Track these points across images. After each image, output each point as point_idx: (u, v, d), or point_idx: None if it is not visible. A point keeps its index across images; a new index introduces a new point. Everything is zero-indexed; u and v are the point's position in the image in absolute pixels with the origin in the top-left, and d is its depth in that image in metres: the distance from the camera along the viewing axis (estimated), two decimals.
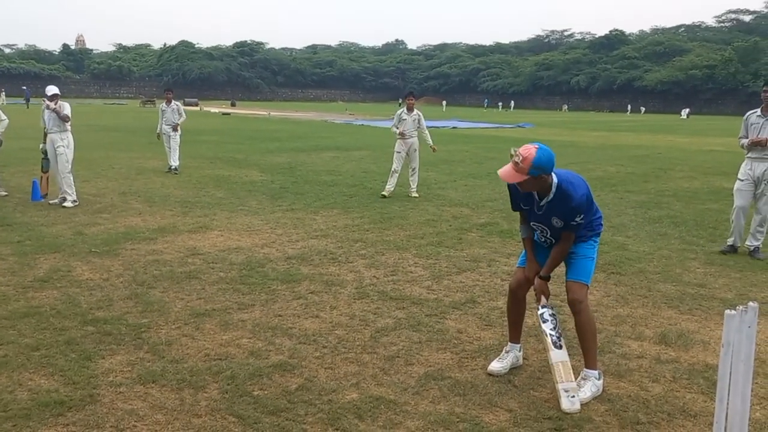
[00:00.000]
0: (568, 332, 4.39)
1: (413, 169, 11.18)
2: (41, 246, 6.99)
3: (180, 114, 14.00)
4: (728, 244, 7.34)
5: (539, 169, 3.45)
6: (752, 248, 7.17)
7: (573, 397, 3.56)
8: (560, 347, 3.71)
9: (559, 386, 3.58)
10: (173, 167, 13.46)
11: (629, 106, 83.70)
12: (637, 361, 4.25)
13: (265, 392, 3.70)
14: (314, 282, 5.88)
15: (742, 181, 7.25)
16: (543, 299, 3.86)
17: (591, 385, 3.71)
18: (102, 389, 3.69)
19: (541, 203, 3.70)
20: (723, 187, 12.46)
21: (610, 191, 11.95)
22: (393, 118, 11.46)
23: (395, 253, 6.99)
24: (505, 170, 3.53)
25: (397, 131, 11.08)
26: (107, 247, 7.01)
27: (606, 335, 4.70)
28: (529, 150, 3.47)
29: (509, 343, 4.16)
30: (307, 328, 4.72)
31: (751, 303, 2.53)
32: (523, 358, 4.25)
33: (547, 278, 3.86)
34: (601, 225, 3.96)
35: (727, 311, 2.49)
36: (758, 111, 7.12)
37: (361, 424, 3.36)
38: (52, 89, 9.67)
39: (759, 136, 6.99)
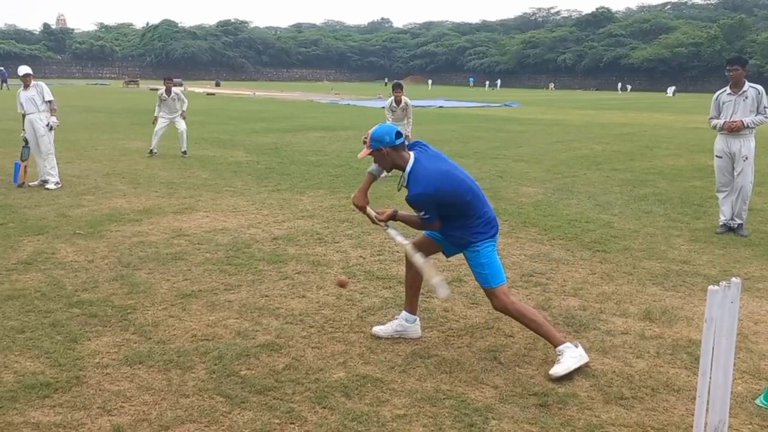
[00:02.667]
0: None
1: None
2: (25, 228, 6.92)
3: (183, 101, 13.52)
4: (721, 223, 7.30)
5: (375, 141, 3.80)
6: (735, 225, 7.23)
7: (445, 284, 3.92)
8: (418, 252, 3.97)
9: (433, 281, 3.81)
10: (183, 151, 13.12)
11: (619, 84, 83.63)
12: (622, 338, 4.30)
13: (253, 372, 3.70)
14: (301, 262, 5.88)
15: (720, 158, 7.28)
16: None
17: (569, 354, 3.72)
18: (88, 371, 3.68)
19: (403, 185, 3.87)
20: (708, 164, 12.52)
21: (596, 170, 12.00)
22: (385, 101, 11.50)
23: (381, 233, 6.98)
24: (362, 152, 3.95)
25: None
26: (92, 228, 6.96)
27: (591, 312, 4.74)
28: (371, 129, 3.90)
29: (402, 311, 4.26)
30: (293, 308, 4.73)
31: (734, 279, 2.56)
32: (508, 336, 4.28)
33: (393, 215, 3.97)
34: (483, 234, 3.82)
35: (711, 287, 2.52)
36: (727, 89, 7.13)
37: (348, 402, 3.38)
38: (24, 69, 9.49)
39: (733, 119, 7.00)
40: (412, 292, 4.22)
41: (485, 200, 3.91)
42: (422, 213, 3.76)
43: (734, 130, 6.99)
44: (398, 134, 3.79)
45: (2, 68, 57.46)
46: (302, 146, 15.09)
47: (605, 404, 3.43)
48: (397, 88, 11.32)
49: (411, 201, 3.75)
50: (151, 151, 13.15)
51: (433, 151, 3.94)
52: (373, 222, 4.04)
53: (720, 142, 7.26)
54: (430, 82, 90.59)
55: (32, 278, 5.29)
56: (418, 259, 3.94)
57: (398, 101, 11.17)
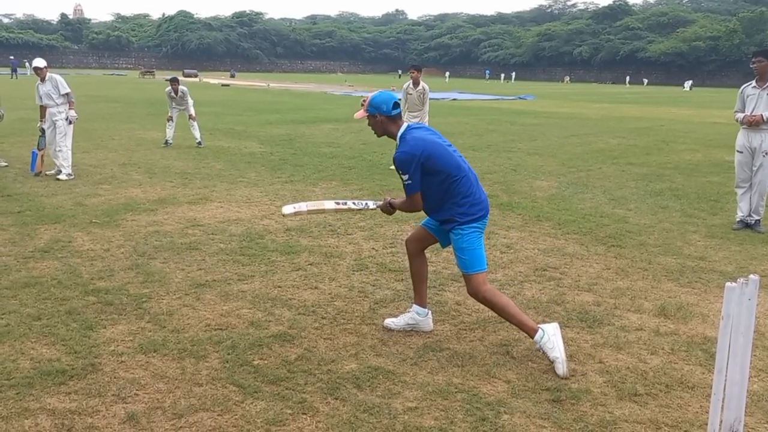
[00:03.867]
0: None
1: None
2: (42, 216, 6.98)
3: (189, 101, 13.54)
4: (738, 220, 7.22)
5: (373, 107, 3.88)
6: (752, 221, 7.15)
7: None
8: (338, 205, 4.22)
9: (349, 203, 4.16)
10: (198, 141, 13.28)
11: (627, 78, 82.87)
12: (636, 334, 4.27)
13: (265, 362, 3.72)
14: (313, 254, 5.89)
15: (741, 153, 7.20)
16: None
17: (545, 342, 3.68)
18: (103, 358, 3.72)
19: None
20: (725, 159, 12.41)
21: (612, 164, 11.91)
22: (399, 92, 11.17)
23: (394, 225, 6.99)
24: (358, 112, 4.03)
25: (404, 112, 10.74)
26: (108, 218, 7.01)
27: (605, 308, 4.72)
28: (372, 94, 4.00)
29: (413, 304, 4.24)
30: (306, 299, 4.74)
31: (752, 276, 2.53)
32: (521, 330, 4.26)
33: (389, 205, 4.06)
34: (470, 215, 3.81)
35: (728, 284, 2.49)
36: (753, 83, 7.04)
37: (360, 394, 3.39)
38: (37, 62, 9.53)
39: (754, 113, 6.91)
40: (419, 285, 4.21)
41: (475, 181, 3.93)
42: (405, 177, 3.80)
43: (753, 124, 6.90)
44: (396, 105, 3.88)
45: (12, 57, 57.84)
46: (316, 138, 15.10)
47: (619, 400, 3.41)
48: (413, 68, 11.02)
49: (397, 159, 3.80)
50: (166, 141, 13.26)
51: (428, 128, 4.06)
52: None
53: (741, 137, 7.18)
54: (447, 74, 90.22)
55: (49, 266, 5.34)
56: (331, 203, 4.24)
57: (416, 82, 10.86)
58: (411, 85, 10.94)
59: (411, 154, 3.75)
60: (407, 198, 3.91)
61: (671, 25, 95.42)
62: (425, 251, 4.25)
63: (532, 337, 3.77)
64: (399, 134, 3.89)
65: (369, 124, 3.99)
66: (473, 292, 3.89)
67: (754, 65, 6.92)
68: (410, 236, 4.25)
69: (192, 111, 13.55)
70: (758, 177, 7.06)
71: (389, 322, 4.27)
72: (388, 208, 4.07)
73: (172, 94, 13.51)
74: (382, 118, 3.89)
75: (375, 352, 3.90)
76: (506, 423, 3.15)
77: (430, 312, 4.26)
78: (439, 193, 3.83)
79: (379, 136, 4.03)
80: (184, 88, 13.82)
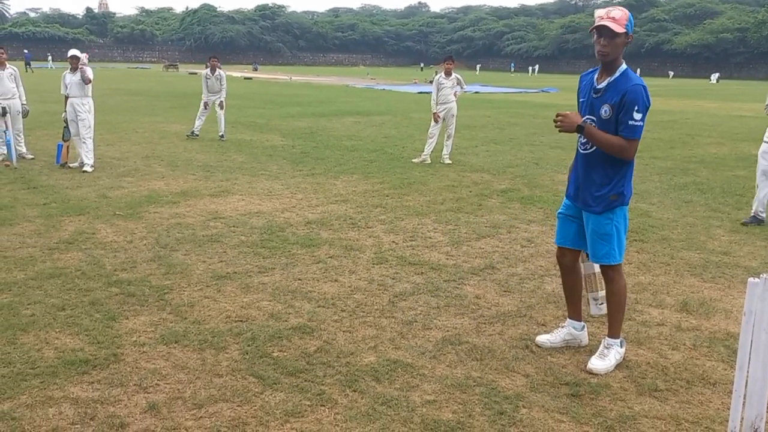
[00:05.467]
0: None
1: (449, 135, 10.90)
2: (66, 208, 7.09)
3: (223, 84, 13.45)
4: (752, 214, 7.08)
5: (630, 23, 3.42)
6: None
7: (601, 304, 3.85)
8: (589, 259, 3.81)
9: (590, 295, 3.83)
10: (221, 135, 13.21)
11: (638, 70, 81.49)
12: (658, 329, 4.23)
13: (285, 354, 3.75)
14: (333, 246, 5.91)
15: (767, 143, 7.08)
16: None
17: (615, 353, 3.68)
18: (126, 349, 3.77)
19: (599, 86, 3.54)
20: (751, 153, 12.18)
21: (636, 157, 11.72)
22: (419, 86, 11.07)
23: (414, 219, 6.98)
24: (606, 22, 3.38)
25: (435, 104, 10.78)
26: (131, 210, 7.10)
27: (627, 302, 4.67)
28: (623, 10, 3.45)
29: (567, 318, 4.02)
30: (326, 292, 4.76)
31: None
32: (540, 325, 4.25)
33: (582, 127, 3.50)
34: (624, 196, 3.62)
35: (751, 279, 2.46)
36: None
37: (378, 387, 3.40)
38: (73, 51, 9.65)
39: None
40: (576, 299, 3.96)
41: None
42: (638, 117, 3.37)
43: None
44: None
45: (26, 51, 58.58)
46: (337, 131, 15.13)
47: (638, 396, 3.38)
48: (449, 59, 10.93)
49: (630, 90, 3.37)
50: (192, 132, 13.34)
51: None
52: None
53: None
54: (478, 66, 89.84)
55: (73, 257, 5.43)
56: (589, 267, 3.88)
57: (448, 73, 10.79)
58: (443, 76, 10.87)
59: (644, 88, 3.38)
60: (627, 141, 3.44)
61: (698, 17, 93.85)
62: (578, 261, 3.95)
63: (611, 336, 3.71)
64: (623, 68, 3.49)
65: (604, 44, 3.41)
66: (608, 278, 3.71)
67: None
68: (559, 252, 3.93)
69: (223, 98, 13.45)
70: None
71: (540, 338, 3.98)
72: (581, 128, 3.50)
73: (209, 74, 13.30)
74: (627, 41, 3.45)
75: (394, 345, 3.90)
76: (524, 417, 3.14)
77: (585, 325, 4.02)
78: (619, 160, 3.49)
79: (604, 61, 3.47)
80: (222, 72, 13.66)
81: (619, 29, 3.38)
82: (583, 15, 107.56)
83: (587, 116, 3.59)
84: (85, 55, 9.74)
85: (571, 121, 3.51)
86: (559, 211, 3.92)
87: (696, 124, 18.58)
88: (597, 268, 3.82)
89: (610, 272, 3.68)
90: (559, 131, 3.57)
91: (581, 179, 3.69)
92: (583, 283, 3.93)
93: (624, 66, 3.51)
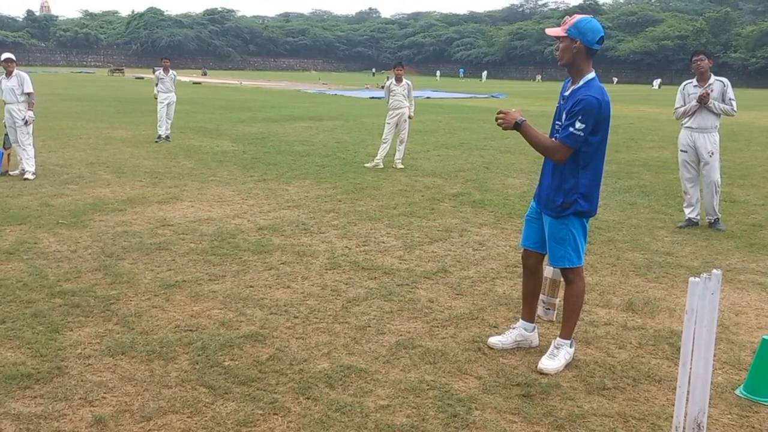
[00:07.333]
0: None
1: (401, 140, 10.98)
2: (6, 217, 6.84)
3: (174, 85, 13.87)
4: (686, 217, 7.28)
5: (577, 29, 3.45)
6: (711, 220, 7.22)
7: (549, 310, 3.99)
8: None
9: (544, 297, 3.93)
10: (164, 136, 13.50)
11: (615, 79, 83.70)
12: (605, 328, 4.33)
13: (236, 362, 3.69)
14: (286, 252, 5.86)
15: (685, 152, 7.27)
16: None
17: (564, 353, 3.75)
18: (70, 361, 3.65)
19: (565, 94, 3.62)
20: None
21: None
22: (371, 91, 11.23)
23: (367, 224, 6.98)
24: (553, 28, 3.53)
25: (390, 105, 11.02)
26: (75, 218, 6.89)
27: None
28: (576, 16, 3.52)
29: (519, 320, 4.06)
30: (278, 299, 4.71)
31: (714, 270, 2.58)
32: (492, 327, 4.30)
33: (519, 124, 3.55)
34: (581, 205, 3.59)
35: (692, 278, 2.54)
36: (694, 81, 7.16)
37: (332, 393, 3.38)
38: (7, 54, 9.33)
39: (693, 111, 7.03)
40: (533, 301, 4.02)
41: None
42: (579, 126, 3.42)
43: (703, 101, 6.92)
44: (601, 40, 3.47)
45: None
46: (289, 136, 15.02)
47: (587, 394, 3.45)
48: (398, 66, 10.97)
49: (582, 100, 3.43)
50: (159, 137, 13.47)
51: None
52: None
53: (684, 137, 7.29)
54: (438, 73, 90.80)
55: (14, 268, 5.23)
56: (549, 271, 3.97)
57: (399, 79, 10.87)
58: (394, 82, 10.97)
59: (598, 101, 3.43)
60: (561, 144, 3.49)
61: (640, 24, 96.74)
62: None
63: (562, 337, 3.77)
64: (588, 78, 3.53)
65: (558, 49, 3.53)
66: (566, 279, 3.78)
67: (695, 64, 7.03)
68: (525, 252, 3.96)
69: (174, 99, 13.74)
70: (709, 177, 7.10)
71: (492, 340, 4.01)
72: (518, 125, 3.54)
73: (162, 74, 13.49)
74: (581, 47, 3.47)
75: (347, 351, 3.89)
76: (477, 419, 3.17)
77: (536, 326, 4.06)
78: (586, 158, 3.53)
79: (563, 64, 3.58)
80: (174, 73, 13.94)
81: (558, 33, 3.48)
82: (530, 22, 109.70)
83: (556, 121, 3.70)
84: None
85: (510, 118, 3.58)
86: (527, 213, 4.00)
87: (639, 129, 19.14)
88: (557, 275, 3.91)
89: (569, 274, 3.76)
90: (503, 128, 3.62)
91: (542, 183, 3.80)
92: (543, 285, 4.01)
93: (590, 75, 3.56)
